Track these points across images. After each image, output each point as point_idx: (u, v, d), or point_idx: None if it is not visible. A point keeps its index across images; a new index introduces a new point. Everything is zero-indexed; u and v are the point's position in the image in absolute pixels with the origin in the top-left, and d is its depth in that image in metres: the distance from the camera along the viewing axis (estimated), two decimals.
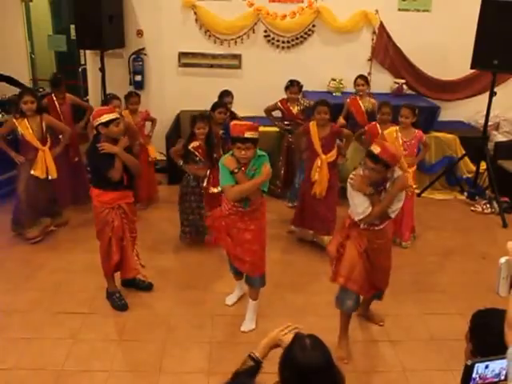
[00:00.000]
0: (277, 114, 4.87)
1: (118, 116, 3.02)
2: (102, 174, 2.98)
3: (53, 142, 4.01)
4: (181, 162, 3.84)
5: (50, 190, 4.06)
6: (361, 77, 4.81)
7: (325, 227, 3.93)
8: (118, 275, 3.30)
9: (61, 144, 4.07)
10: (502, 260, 0.91)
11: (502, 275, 0.92)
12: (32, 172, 3.85)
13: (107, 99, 4.27)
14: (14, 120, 3.82)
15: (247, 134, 2.65)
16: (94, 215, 3.12)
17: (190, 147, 3.78)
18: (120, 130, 2.99)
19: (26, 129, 3.80)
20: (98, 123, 2.93)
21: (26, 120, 3.80)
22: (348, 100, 4.79)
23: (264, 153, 2.83)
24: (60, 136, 4.14)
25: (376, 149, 2.51)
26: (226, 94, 4.56)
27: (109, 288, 3.25)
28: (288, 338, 1.64)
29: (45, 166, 3.86)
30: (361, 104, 4.69)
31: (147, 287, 3.40)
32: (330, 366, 1.51)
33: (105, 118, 2.91)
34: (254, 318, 3.08)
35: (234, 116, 4.56)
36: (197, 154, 3.78)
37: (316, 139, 3.80)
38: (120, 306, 3.19)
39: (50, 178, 3.91)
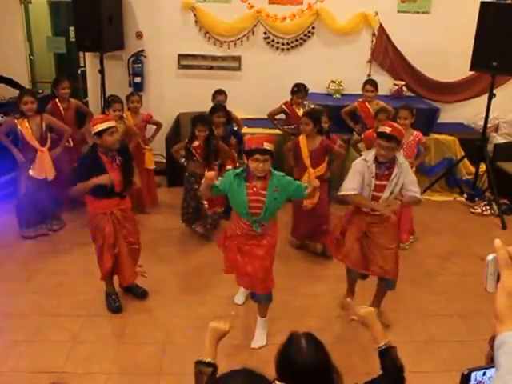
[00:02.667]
0: (279, 117, 4.87)
1: (112, 124, 2.92)
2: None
3: (53, 142, 4.03)
4: (182, 160, 3.99)
5: (49, 191, 4.06)
6: (370, 82, 4.71)
7: (317, 236, 3.94)
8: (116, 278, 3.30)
9: (61, 144, 4.08)
10: (490, 257, 0.93)
11: (489, 272, 0.94)
12: (30, 172, 3.87)
13: (108, 102, 4.24)
14: (15, 120, 3.84)
15: (266, 145, 2.60)
16: (88, 221, 3.13)
17: (190, 147, 3.88)
18: (114, 140, 2.90)
19: (26, 128, 3.82)
20: (93, 133, 2.91)
21: (26, 120, 3.82)
22: (356, 103, 4.76)
23: (280, 173, 2.77)
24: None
25: (386, 129, 2.81)
26: (218, 93, 4.57)
27: (106, 288, 3.24)
28: (227, 325, 1.81)
29: (43, 166, 3.88)
30: (369, 107, 4.65)
31: (142, 294, 3.33)
32: (328, 367, 1.52)
33: (97, 127, 2.87)
34: (264, 333, 2.97)
35: (229, 115, 4.57)
36: (195, 153, 3.85)
37: (305, 152, 3.78)
38: (113, 308, 3.16)
39: (47, 178, 3.92)
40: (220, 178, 2.79)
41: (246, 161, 2.68)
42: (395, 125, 2.94)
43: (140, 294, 3.33)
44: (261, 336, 2.95)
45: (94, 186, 2.92)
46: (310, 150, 3.79)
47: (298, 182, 2.86)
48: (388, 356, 1.72)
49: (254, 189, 2.65)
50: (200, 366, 1.65)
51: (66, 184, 4.50)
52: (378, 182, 2.86)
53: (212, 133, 3.89)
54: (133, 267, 3.16)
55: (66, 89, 4.40)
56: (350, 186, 2.89)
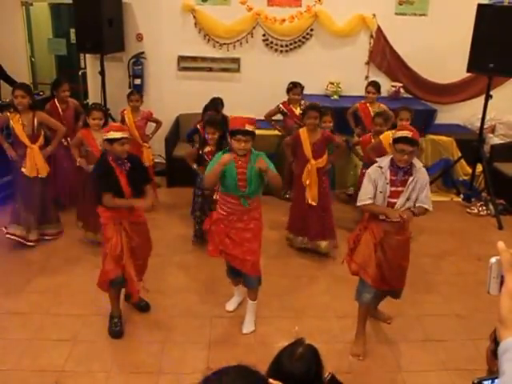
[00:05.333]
0: (276, 118, 4.90)
1: (124, 135, 2.90)
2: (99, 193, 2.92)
3: (47, 140, 3.99)
4: (195, 166, 3.93)
5: (46, 189, 4.01)
6: (372, 84, 4.77)
7: (320, 232, 3.94)
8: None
9: (53, 143, 4.01)
10: (493, 260, 0.93)
11: (492, 275, 0.93)
12: (22, 170, 3.82)
13: (88, 110, 3.96)
14: (8, 114, 3.82)
15: (248, 127, 2.75)
16: (102, 226, 3.06)
17: (202, 152, 3.84)
18: (123, 150, 2.89)
19: (17, 123, 3.78)
20: (104, 138, 2.91)
21: (18, 115, 3.79)
22: (358, 104, 4.80)
23: (262, 153, 2.91)
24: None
25: (407, 133, 2.68)
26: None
27: (111, 309, 3.07)
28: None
29: (34, 164, 3.83)
30: (370, 109, 4.69)
31: (144, 307, 3.25)
32: (311, 380, 1.52)
33: (110, 134, 2.86)
34: (253, 319, 3.10)
35: (226, 120, 4.60)
36: (207, 158, 3.79)
37: (307, 145, 3.82)
38: (113, 332, 3.01)
39: (40, 176, 3.86)
40: (210, 163, 2.95)
41: (229, 140, 2.84)
42: (411, 128, 2.84)
43: (142, 307, 3.25)
44: (250, 321, 3.09)
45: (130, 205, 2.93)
46: (311, 142, 3.83)
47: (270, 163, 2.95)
48: None
49: (239, 162, 2.83)
50: None
51: (64, 183, 4.53)
52: (393, 189, 2.74)
53: (223, 136, 3.82)
54: (137, 284, 3.03)
55: (66, 91, 4.44)
56: (364, 197, 2.80)
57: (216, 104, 4.43)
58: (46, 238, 4.11)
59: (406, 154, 2.65)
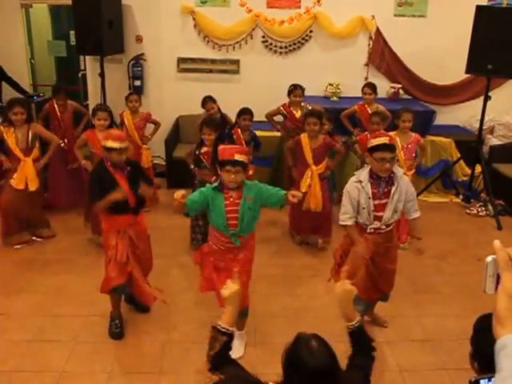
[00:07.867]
0: (277, 118, 4.92)
1: (124, 146, 2.86)
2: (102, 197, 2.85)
3: (41, 152, 3.99)
4: (192, 166, 3.90)
5: (34, 200, 3.98)
6: (368, 85, 4.77)
7: (322, 232, 4.04)
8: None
9: (46, 155, 3.99)
10: (489, 259, 0.93)
11: (488, 273, 0.93)
12: (11, 182, 3.80)
13: (93, 110, 3.96)
14: (1, 127, 3.80)
15: (237, 157, 2.53)
16: (103, 233, 3.07)
17: (198, 152, 3.80)
18: (121, 160, 2.85)
19: (11, 137, 3.78)
20: (103, 145, 2.88)
21: (12, 128, 3.78)
22: (356, 106, 4.80)
23: (254, 181, 2.74)
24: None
25: (385, 139, 2.55)
26: (209, 99, 4.55)
27: (112, 311, 3.07)
28: (235, 284, 1.78)
29: (24, 176, 3.80)
30: (369, 110, 4.68)
31: (144, 308, 3.23)
32: (337, 368, 1.50)
33: (109, 143, 2.83)
34: (242, 344, 2.90)
35: (224, 118, 4.59)
36: (203, 159, 3.77)
37: (308, 150, 3.84)
38: (113, 333, 3.01)
39: (28, 189, 3.82)
40: (194, 193, 2.73)
41: (219, 171, 2.64)
42: (386, 133, 2.76)
43: (142, 308, 3.24)
44: (238, 347, 2.82)
45: (111, 202, 2.80)
46: (312, 147, 3.84)
47: (275, 189, 2.72)
48: (362, 333, 1.76)
49: (231, 199, 2.61)
50: (215, 331, 1.68)
51: (61, 186, 4.52)
52: (377, 202, 2.61)
53: (220, 138, 3.81)
54: (149, 290, 3.04)
55: (61, 100, 4.44)
56: (344, 217, 2.69)
57: (247, 111, 4.33)
58: (39, 239, 4.11)
59: (387, 161, 2.50)
